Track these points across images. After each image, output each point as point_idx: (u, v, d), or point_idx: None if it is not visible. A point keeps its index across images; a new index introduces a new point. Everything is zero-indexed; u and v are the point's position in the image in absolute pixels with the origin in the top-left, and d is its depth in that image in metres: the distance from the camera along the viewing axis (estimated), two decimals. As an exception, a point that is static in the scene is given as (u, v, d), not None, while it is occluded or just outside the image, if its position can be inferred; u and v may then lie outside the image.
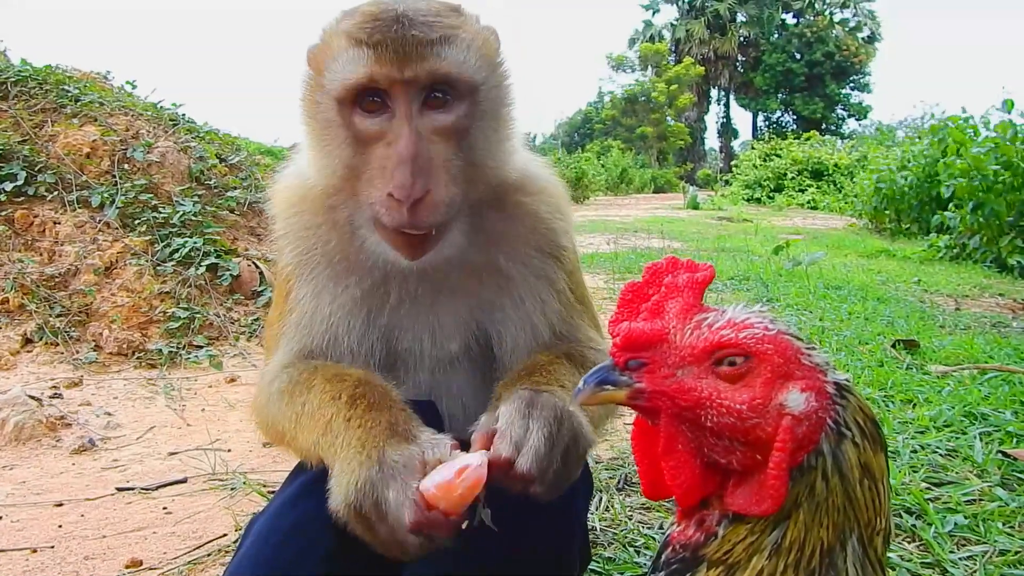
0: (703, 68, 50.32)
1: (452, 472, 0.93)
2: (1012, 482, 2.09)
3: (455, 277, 1.27)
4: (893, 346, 3.61)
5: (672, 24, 53.66)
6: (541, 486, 0.98)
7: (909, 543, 1.80)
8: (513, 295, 1.29)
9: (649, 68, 52.25)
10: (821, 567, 0.69)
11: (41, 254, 4.18)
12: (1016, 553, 1.71)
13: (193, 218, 4.53)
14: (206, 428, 2.96)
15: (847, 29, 49.59)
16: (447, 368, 1.31)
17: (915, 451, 2.31)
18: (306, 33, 1.28)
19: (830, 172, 23.33)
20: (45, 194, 4.41)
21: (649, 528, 1.96)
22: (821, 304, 4.88)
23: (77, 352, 3.69)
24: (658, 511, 2.05)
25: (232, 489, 2.37)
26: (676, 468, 0.73)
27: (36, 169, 4.45)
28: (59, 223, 4.30)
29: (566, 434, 1.02)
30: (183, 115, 5.77)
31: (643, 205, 23.05)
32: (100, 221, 4.35)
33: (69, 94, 5.01)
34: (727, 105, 55.68)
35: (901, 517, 1.90)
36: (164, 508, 2.25)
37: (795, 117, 50.55)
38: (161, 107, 5.77)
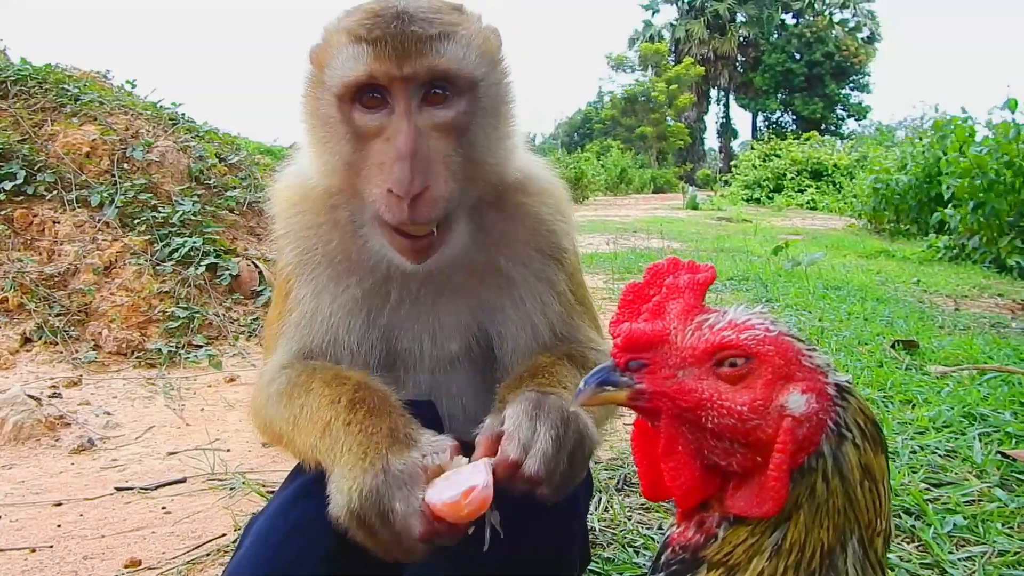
0: (703, 68, 50.33)
1: (459, 493, 0.93)
2: (1011, 483, 2.09)
3: (456, 278, 1.27)
4: (892, 346, 3.61)
5: (672, 24, 53.68)
6: (548, 488, 0.99)
7: (908, 544, 1.80)
8: (514, 296, 1.29)
9: (649, 68, 52.27)
10: (821, 568, 0.69)
11: (40, 253, 4.17)
12: (1015, 554, 1.71)
13: (192, 218, 4.53)
14: (205, 428, 2.96)
15: (847, 29, 49.62)
16: (447, 368, 1.31)
17: (914, 452, 2.31)
18: (306, 33, 1.28)
19: (829, 172, 23.34)
20: (44, 193, 4.41)
21: (648, 529, 1.96)
22: (820, 304, 4.88)
23: (76, 351, 3.69)
24: (657, 512, 2.05)
25: (231, 489, 2.36)
26: (676, 469, 0.73)
27: (35, 168, 4.45)
28: (58, 222, 4.30)
29: (572, 436, 1.02)
30: (183, 114, 5.77)
31: (642, 205, 23.06)
32: (99, 220, 4.35)
33: (69, 93, 5.01)
34: (727, 105, 55.74)
35: (900, 518, 1.90)
36: (163, 508, 2.25)
37: (794, 117, 50.57)
38: (161, 106, 5.77)
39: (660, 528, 1.95)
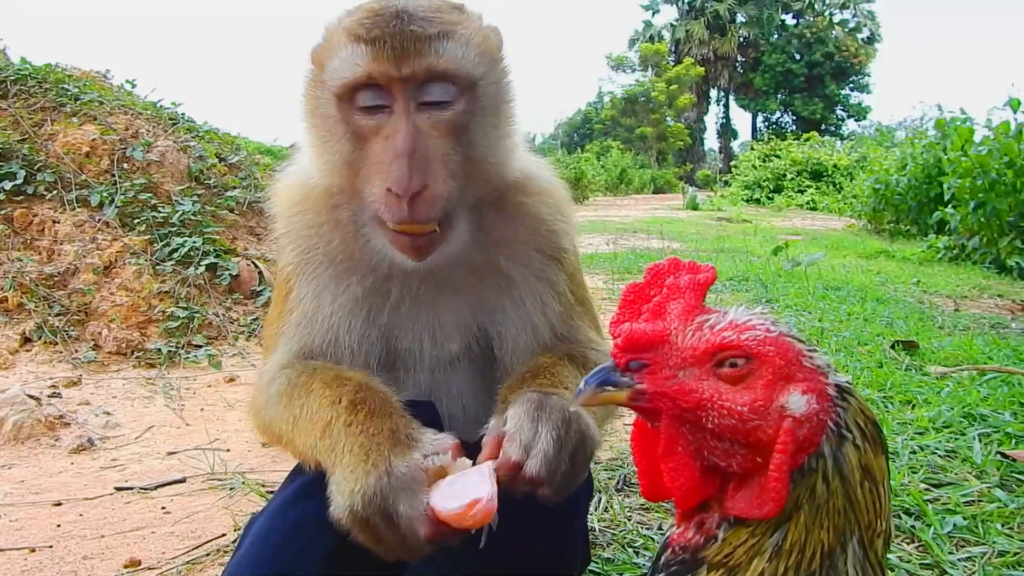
0: (703, 69, 50.33)
1: (464, 504, 0.93)
2: (1011, 483, 2.09)
3: (456, 277, 1.27)
4: (892, 347, 3.61)
5: (672, 24, 53.68)
6: (549, 488, 0.99)
7: (908, 544, 1.80)
8: (514, 296, 1.29)
9: (649, 68, 52.27)
10: (822, 569, 0.69)
11: (40, 253, 4.17)
12: (1015, 554, 1.71)
13: (192, 217, 4.53)
14: (205, 428, 2.95)
15: (847, 30, 49.62)
16: (447, 368, 1.31)
17: (914, 452, 2.31)
18: (307, 33, 1.28)
19: (829, 173, 23.34)
20: (44, 193, 4.40)
21: (648, 529, 1.96)
22: (820, 305, 4.89)
23: (76, 351, 3.69)
24: (657, 512, 2.05)
25: (231, 489, 2.36)
26: (676, 470, 0.72)
27: (35, 168, 4.45)
28: (58, 222, 4.30)
29: (574, 436, 1.02)
30: (182, 114, 5.76)
31: (642, 206, 23.06)
32: (99, 220, 4.35)
33: (69, 93, 5.00)
34: (726, 106, 55.74)
35: (900, 518, 1.90)
36: (163, 508, 2.25)
37: (794, 118, 50.56)
38: (160, 106, 5.76)
39: (660, 529, 1.95)
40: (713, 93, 55.22)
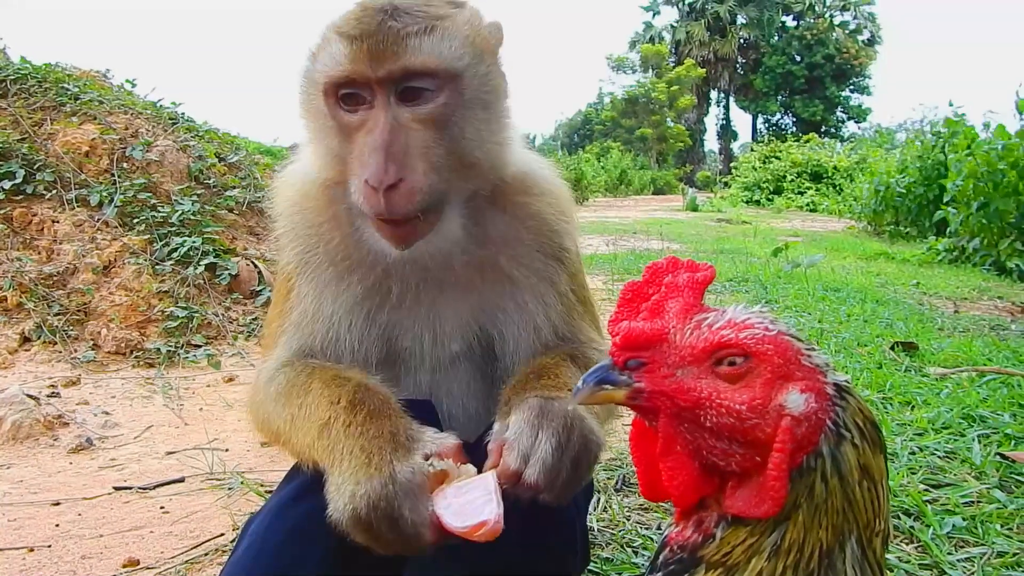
0: (703, 70, 50.35)
1: (470, 525, 0.94)
2: (1010, 484, 2.09)
3: (456, 276, 1.27)
4: (892, 348, 3.61)
5: (672, 26, 53.69)
6: (550, 494, 1.00)
7: (907, 545, 1.80)
8: (516, 296, 1.29)
9: (649, 70, 52.29)
10: (820, 569, 0.69)
11: (39, 252, 4.17)
12: (1014, 555, 1.71)
13: (192, 217, 4.53)
14: (204, 427, 2.95)
15: (847, 32, 49.65)
16: (448, 368, 1.31)
17: (913, 453, 2.31)
18: (307, 33, 1.28)
19: (829, 174, 23.34)
20: (44, 192, 4.40)
21: (647, 529, 1.96)
22: (820, 306, 4.89)
23: (75, 351, 3.68)
24: (656, 512, 2.05)
25: (230, 489, 2.36)
26: (674, 469, 0.72)
27: (35, 167, 4.45)
28: (58, 222, 4.29)
29: (576, 442, 1.02)
30: (182, 114, 5.76)
31: (642, 207, 23.06)
32: (99, 220, 4.35)
33: (68, 92, 5.01)
34: (727, 107, 55.74)
35: (899, 519, 1.90)
36: (161, 507, 2.25)
37: (795, 119, 50.56)
38: (160, 106, 5.77)
39: (659, 528, 1.95)
40: (713, 94, 55.24)
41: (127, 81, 5.98)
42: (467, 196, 1.24)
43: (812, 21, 50.28)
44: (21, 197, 4.36)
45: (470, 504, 0.96)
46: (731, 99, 54.94)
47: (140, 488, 2.39)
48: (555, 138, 58.53)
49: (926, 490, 2.07)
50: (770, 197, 24.15)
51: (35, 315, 3.80)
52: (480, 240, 1.27)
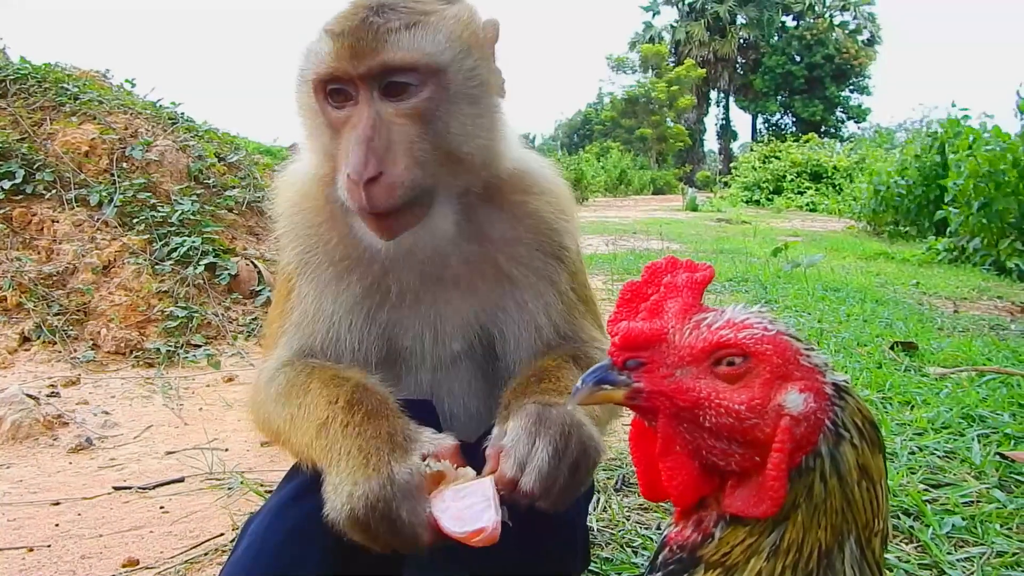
0: (703, 70, 50.34)
1: (468, 531, 0.94)
2: (1010, 484, 2.09)
3: (454, 274, 1.27)
4: (891, 348, 3.61)
5: (672, 26, 53.68)
6: (546, 501, 0.99)
7: (907, 544, 1.80)
8: (516, 295, 1.29)
9: (649, 70, 52.28)
10: (819, 569, 0.69)
11: (39, 252, 4.17)
12: (1014, 555, 1.71)
13: (192, 217, 4.53)
14: (203, 427, 2.95)
15: (847, 32, 49.64)
16: (448, 367, 1.31)
17: (913, 453, 2.31)
18: (307, 33, 1.29)
19: (829, 174, 23.35)
20: (43, 192, 4.40)
21: (646, 528, 1.96)
22: (820, 306, 4.89)
23: (75, 351, 3.68)
24: (656, 511, 2.05)
25: (229, 488, 2.36)
26: (673, 469, 0.72)
27: (34, 167, 4.45)
28: (57, 221, 4.29)
29: (574, 449, 1.02)
30: (182, 114, 5.76)
31: (642, 206, 23.06)
32: (98, 220, 4.35)
33: (68, 92, 5.00)
34: (726, 107, 55.75)
35: (899, 518, 1.90)
36: (161, 507, 2.25)
37: (794, 119, 50.56)
38: (160, 106, 5.76)
39: (658, 528, 1.95)
40: (713, 94, 55.24)
41: (127, 81, 5.98)
42: (459, 192, 1.24)
43: (812, 21, 50.28)
44: (21, 197, 4.36)
45: (468, 509, 0.96)
46: (731, 99, 54.95)
47: (140, 488, 2.39)
48: (555, 138, 58.54)
49: (925, 490, 2.07)
50: (770, 197, 24.15)
51: (35, 315, 3.80)
52: (476, 237, 1.27)
